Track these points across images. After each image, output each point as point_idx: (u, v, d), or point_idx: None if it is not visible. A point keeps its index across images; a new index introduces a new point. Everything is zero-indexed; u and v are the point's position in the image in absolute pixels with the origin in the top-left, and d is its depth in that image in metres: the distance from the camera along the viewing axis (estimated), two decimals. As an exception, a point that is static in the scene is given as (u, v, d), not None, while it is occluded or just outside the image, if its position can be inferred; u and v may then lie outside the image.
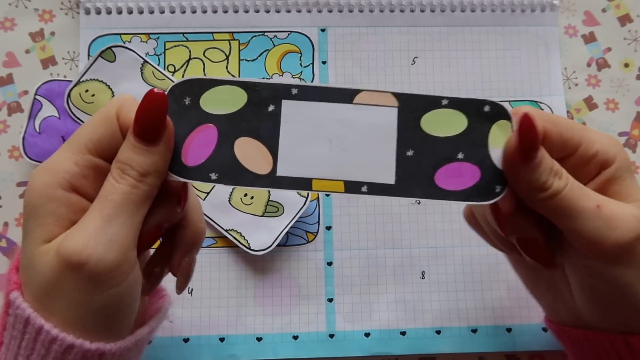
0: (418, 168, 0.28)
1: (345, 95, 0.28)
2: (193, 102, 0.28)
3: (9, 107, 0.44)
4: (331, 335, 0.41)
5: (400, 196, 0.28)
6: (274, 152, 0.28)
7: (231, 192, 0.41)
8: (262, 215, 0.41)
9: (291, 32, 0.45)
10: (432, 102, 0.28)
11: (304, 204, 0.41)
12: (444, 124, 0.28)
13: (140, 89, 0.42)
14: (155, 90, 0.26)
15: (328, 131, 0.28)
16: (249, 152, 0.28)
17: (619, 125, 0.46)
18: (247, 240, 0.41)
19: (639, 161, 0.45)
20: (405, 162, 0.28)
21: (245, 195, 0.41)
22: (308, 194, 0.39)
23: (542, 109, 0.45)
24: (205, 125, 0.28)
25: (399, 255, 0.42)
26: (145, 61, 0.43)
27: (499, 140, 0.28)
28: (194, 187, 0.38)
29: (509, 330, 0.41)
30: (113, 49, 0.42)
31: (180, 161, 0.28)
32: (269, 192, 0.40)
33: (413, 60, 0.45)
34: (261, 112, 0.28)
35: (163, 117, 0.26)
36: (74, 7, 0.45)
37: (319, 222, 0.42)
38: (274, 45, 0.45)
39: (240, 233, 0.41)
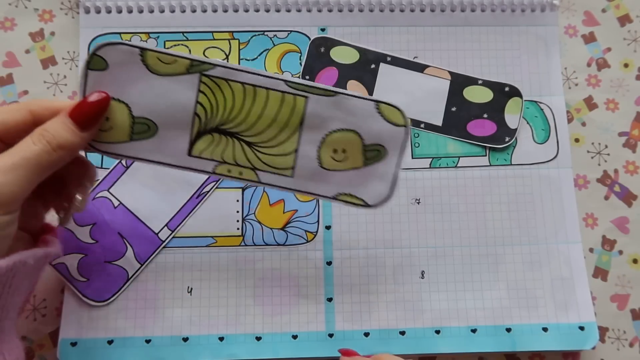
0: (457, 119, 0.44)
1: (420, 67, 0.44)
2: (325, 51, 0.44)
3: (8, 106, 0.44)
4: (330, 335, 0.41)
5: (444, 134, 0.44)
6: (370, 93, 0.44)
7: (319, 154, 0.35)
8: (364, 165, 0.35)
9: (291, 31, 0.45)
10: (472, 80, 0.44)
11: (405, 133, 0.34)
12: (477, 95, 0.44)
13: (156, 85, 0.33)
14: (103, 92, 0.32)
15: (405, 87, 0.44)
16: (355, 90, 0.43)
17: (619, 125, 0.46)
18: (361, 199, 0.35)
19: (639, 161, 0.45)
20: (450, 114, 0.44)
21: (335, 151, 0.35)
22: (405, 120, 0.34)
23: (542, 109, 0.45)
24: (331, 67, 0.44)
25: (399, 254, 0.42)
26: (142, 48, 0.33)
27: (512, 110, 0.44)
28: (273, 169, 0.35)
29: (508, 330, 0.41)
30: (97, 53, 0.32)
31: None
32: (361, 137, 0.35)
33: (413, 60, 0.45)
34: (366, 68, 0.44)
35: (103, 113, 0.33)
36: (73, 7, 0.46)
37: (318, 221, 0.42)
38: (274, 45, 0.45)
39: (350, 193, 0.35)
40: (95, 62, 0.32)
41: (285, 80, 0.33)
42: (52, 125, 0.31)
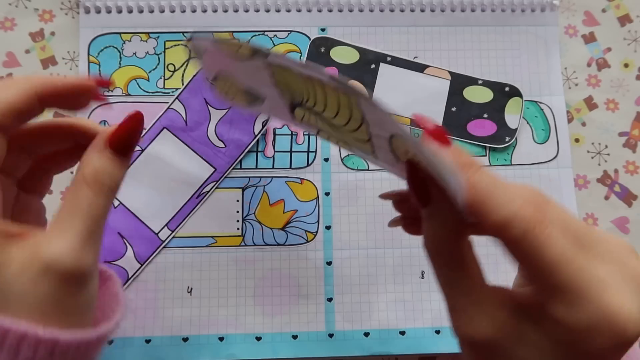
0: (458, 119, 0.44)
1: (420, 67, 0.45)
2: (325, 51, 0.45)
3: (8, 106, 0.44)
4: (330, 335, 0.41)
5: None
6: (371, 93, 0.43)
7: (393, 150, 0.26)
8: None
9: (291, 31, 0.45)
10: (472, 80, 0.45)
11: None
12: (477, 95, 0.45)
13: (241, 68, 0.28)
14: (137, 111, 0.28)
15: (405, 87, 0.44)
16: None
17: (619, 125, 0.46)
18: None
19: (639, 161, 0.45)
20: (450, 114, 0.44)
21: (407, 152, 0.25)
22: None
23: (542, 109, 0.45)
24: (331, 67, 0.44)
25: (399, 254, 0.42)
26: (216, 41, 0.27)
27: (512, 110, 0.44)
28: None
29: (508, 330, 0.41)
30: (189, 46, 0.29)
31: None
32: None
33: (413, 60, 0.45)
34: (366, 68, 0.45)
35: (140, 133, 0.28)
36: (74, 7, 0.46)
37: (318, 221, 0.42)
38: (274, 45, 0.45)
39: None
40: (192, 51, 0.30)
41: (328, 77, 0.24)
42: (103, 166, 0.27)
